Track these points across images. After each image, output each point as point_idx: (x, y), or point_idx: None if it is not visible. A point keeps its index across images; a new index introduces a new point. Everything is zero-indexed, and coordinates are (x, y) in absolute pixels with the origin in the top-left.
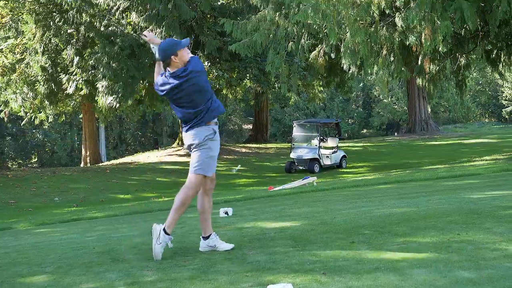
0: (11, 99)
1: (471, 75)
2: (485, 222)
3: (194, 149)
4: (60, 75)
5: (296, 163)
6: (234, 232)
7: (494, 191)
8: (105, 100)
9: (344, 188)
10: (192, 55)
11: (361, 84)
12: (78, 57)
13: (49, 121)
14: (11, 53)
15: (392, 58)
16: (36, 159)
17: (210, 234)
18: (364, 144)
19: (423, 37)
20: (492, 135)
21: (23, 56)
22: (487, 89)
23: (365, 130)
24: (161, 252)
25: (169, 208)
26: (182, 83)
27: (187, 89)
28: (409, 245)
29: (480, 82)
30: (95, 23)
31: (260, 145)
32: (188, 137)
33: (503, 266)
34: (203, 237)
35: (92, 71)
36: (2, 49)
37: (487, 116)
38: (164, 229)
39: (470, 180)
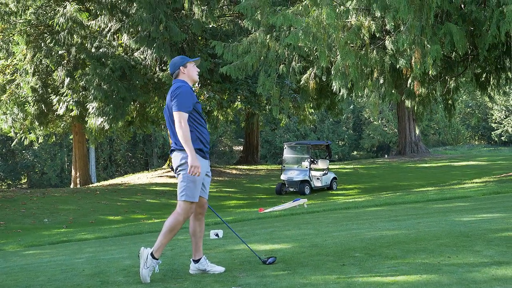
0: (1, 120)
1: (460, 98)
2: (476, 245)
3: (177, 172)
4: (51, 96)
5: (286, 185)
6: (224, 255)
7: (484, 214)
8: (95, 122)
9: (335, 210)
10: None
11: (352, 106)
12: (69, 78)
13: (39, 142)
14: (1, 74)
15: (382, 81)
16: (25, 180)
17: (201, 258)
18: (355, 166)
19: (413, 60)
20: (482, 157)
21: (13, 77)
22: (476, 112)
23: (355, 152)
24: (148, 275)
25: (159, 230)
26: None
27: None
28: (399, 267)
29: (470, 104)
30: (86, 45)
31: (251, 167)
32: (172, 159)
33: None
34: (193, 260)
35: (83, 92)
36: None
37: (476, 138)
38: (151, 254)
39: (460, 203)
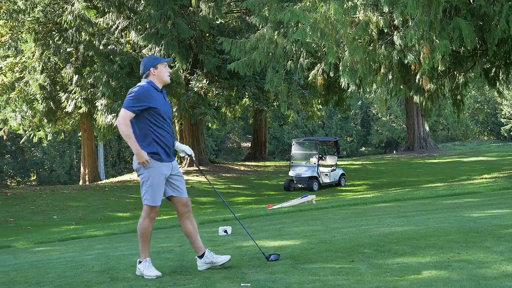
0: (10, 117)
1: (469, 93)
2: (485, 241)
3: (138, 176)
4: (59, 94)
5: (295, 181)
6: (233, 251)
7: (494, 210)
8: (104, 118)
9: (343, 206)
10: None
11: (360, 102)
12: (77, 76)
13: (48, 139)
14: (10, 72)
15: (390, 77)
16: (35, 177)
17: (204, 252)
18: (363, 162)
19: (421, 56)
20: (491, 153)
21: (22, 75)
22: (485, 107)
23: (363, 148)
24: (154, 271)
25: (168, 226)
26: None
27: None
28: (409, 264)
29: (479, 100)
30: (94, 42)
31: (259, 163)
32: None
33: (504, 285)
34: (198, 257)
35: (91, 90)
36: (1, 67)
37: (485, 134)
38: (139, 261)
39: (470, 199)
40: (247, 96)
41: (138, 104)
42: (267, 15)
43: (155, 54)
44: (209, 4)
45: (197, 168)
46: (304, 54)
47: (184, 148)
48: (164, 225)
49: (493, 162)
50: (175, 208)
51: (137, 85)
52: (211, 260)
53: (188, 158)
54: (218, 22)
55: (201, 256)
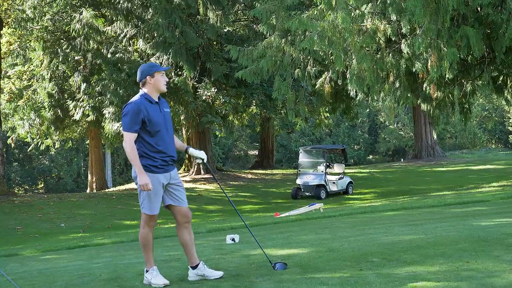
0: (18, 125)
1: (477, 102)
2: (495, 250)
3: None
4: (67, 102)
5: (302, 189)
6: (241, 259)
7: (503, 218)
8: (111, 127)
9: (351, 215)
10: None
11: (367, 110)
12: (85, 84)
13: (55, 147)
14: (18, 80)
15: (398, 85)
16: (42, 185)
17: (198, 264)
18: (371, 170)
19: (429, 64)
20: (499, 161)
21: (30, 83)
22: (493, 115)
23: (371, 156)
24: (161, 279)
25: (175, 234)
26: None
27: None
28: (418, 273)
29: (487, 108)
30: (102, 50)
31: (266, 171)
32: None
33: None
34: (191, 267)
35: (99, 98)
36: (10, 75)
37: (493, 142)
38: (146, 270)
39: (478, 207)
40: (254, 104)
41: (135, 123)
42: (274, 23)
43: (162, 62)
44: (217, 12)
45: (204, 177)
46: (312, 62)
47: (198, 154)
48: (171, 233)
49: (501, 171)
50: (174, 217)
51: (129, 101)
52: (203, 273)
53: (196, 166)
54: (225, 30)
55: (194, 267)
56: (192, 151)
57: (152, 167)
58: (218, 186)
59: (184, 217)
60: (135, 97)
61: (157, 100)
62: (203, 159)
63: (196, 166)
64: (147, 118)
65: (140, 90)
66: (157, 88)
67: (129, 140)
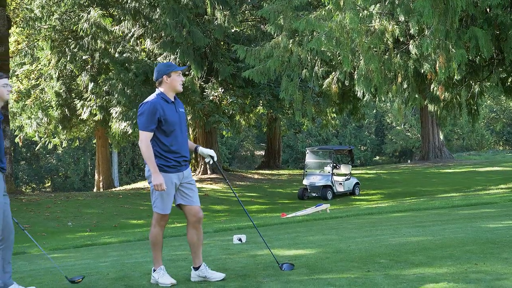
0: (26, 124)
1: (485, 103)
2: (503, 252)
3: (149, 183)
4: (75, 101)
5: (309, 190)
6: (247, 260)
7: (511, 221)
8: (118, 126)
9: (358, 216)
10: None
11: (374, 111)
12: (92, 83)
13: (62, 146)
14: (26, 79)
15: (406, 85)
16: (49, 184)
17: (200, 265)
18: (377, 171)
19: (437, 65)
20: (507, 163)
21: (38, 82)
22: (501, 117)
23: (378, 157)
24: (168, 279)
25: (182, 234)
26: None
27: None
28: (426, 275)
29: (495, 109)
30: (109, 50)
31: (273, 172)
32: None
33: None
34: (193, 268)
35: (106, 97)
36: (18, 74)
37: (501, 144)
38: (154, 269)
39: (486, 209)
40: (261, 104)
41: (151, 123)
42: (282, 23)
43: (170, 62)
44: (225, 12)
45: (211, 176)
46: (319, 62)
47: (208, 152)
48: (179, 233)
49: (509, 172)
50: (185, 216)
51: (146, 100)
52: (205, 274)
53: (203, 166)
54: (233, 30)
55: (196, 268)
56: (202, 150)
57: (165, 167)
58: (225, 186)
59: (195, 216)
60: (151, 96)
61: (173, 100)
62: (213, 157)
63: (202, 166)
64: (163, 117)
65: (156, 89)
66: (173, 88)
67: (145, 139)
